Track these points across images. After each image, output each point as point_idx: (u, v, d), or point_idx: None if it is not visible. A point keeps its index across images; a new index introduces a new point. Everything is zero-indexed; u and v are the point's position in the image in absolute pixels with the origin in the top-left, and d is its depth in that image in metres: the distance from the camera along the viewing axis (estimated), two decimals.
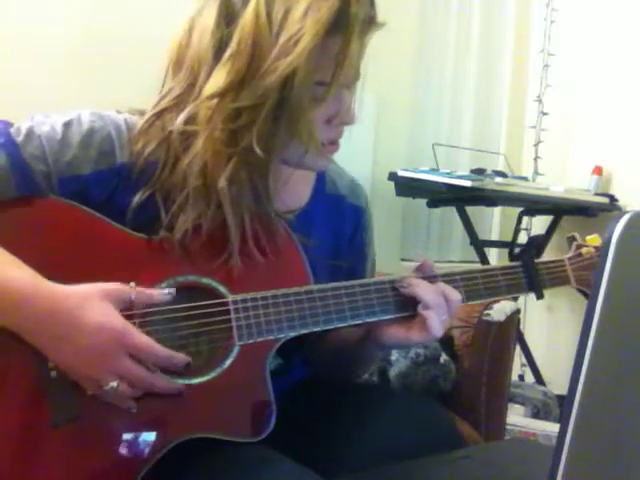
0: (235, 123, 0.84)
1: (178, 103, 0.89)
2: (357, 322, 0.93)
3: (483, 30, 2.97)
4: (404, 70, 2.72)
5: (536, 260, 1.06)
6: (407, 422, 0.95)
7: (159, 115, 0.90)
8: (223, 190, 0.87)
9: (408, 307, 0.95)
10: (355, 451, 0.92)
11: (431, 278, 0.97)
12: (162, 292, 0.85)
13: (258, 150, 0.84)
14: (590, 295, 0.54)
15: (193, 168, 0.87)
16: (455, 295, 0.95)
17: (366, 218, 1.13)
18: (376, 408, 0.97)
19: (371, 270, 1.16)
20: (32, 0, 1.91)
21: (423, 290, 0.93)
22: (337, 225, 1.09)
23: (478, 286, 1.00)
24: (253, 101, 0.82)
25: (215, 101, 0.84)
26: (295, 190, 1.04)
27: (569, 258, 1.08)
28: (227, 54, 0.83)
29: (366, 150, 2.61)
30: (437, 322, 0.92)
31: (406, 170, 2.50)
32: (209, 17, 0.86)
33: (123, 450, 0.83)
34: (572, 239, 1.11)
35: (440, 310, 0.93)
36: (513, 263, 1.04)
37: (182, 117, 0.87)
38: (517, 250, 2.62)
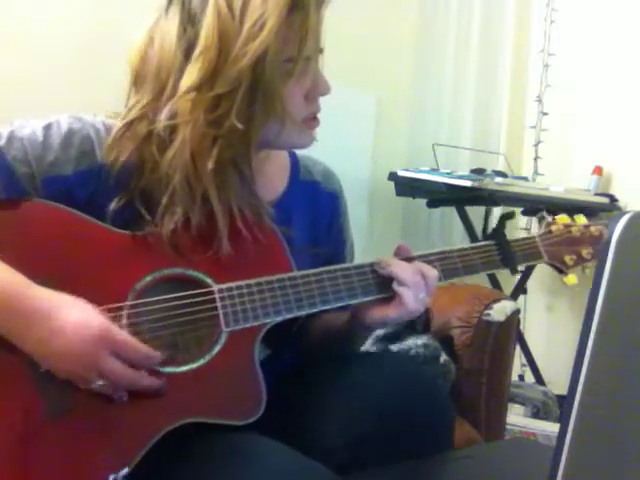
0: (215, 112, 0.88)
1: (147, 112, 0.93)
2: (339, 304, 0.96)
3: (483, 30, 2.97)
4: (404, 70, 2.72)
5: (508, 238, 1.10)
6: (389, 383, 0.96)
7: (129, 126, 0.93)
8: (210, 175, 0.90)
9: (388, 288, 0.98)
10: (337, 420, 0.93)
11: (408, 259, 1.00)
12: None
13: (240, 125, 0.88)
14: (590, 295, 0.54)
15: (177, 162, 0.90)
16: (432, 272, 0.99)
17: (341, 203, 1.18)
18: (356, 374, 0.98)
19: (350, 254, 1.19)
20: (32, 0, 1.91)
21: (399, 269, 0.97)
22: (314, 211, 1.13)
23: (456, 265, 1.04)
24: (229, 87, 0.87)
25: (193, 94, 0.88)
26: (270, 181, 1.07)
27: (539, 235, 1.13)
28: (197, 51, 0.88)
29: (366, 150, 2.61)
30: (412, 298, 0.96)
31: (406, 170, 2.50)
32: (171, 25, 0.92)
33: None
34: (542, 218, 1.16)
35: (418, 287, 0.96)
36: (487, 242, 1.08)
37: (164, 114, 0.90)
38: None
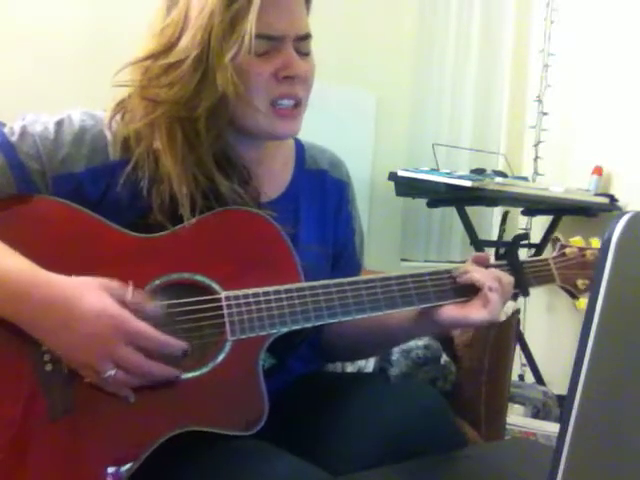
0: (161, 79, 0.89)
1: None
2: (347, 318, 0.94)
3: (483, 30, 2.97)
4: (404, 70, 2.73)
5: (521, 259, 1.07)
6: (408, 416, 0.95)
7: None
8: (160, 138, 0.91)
9: (393, 304, 0.96)
10: (353, 447, 0.92)
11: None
12: (153, 304, 0.86)
13: (185, 93, 0.88)
14: (590, 295, 0.54)
15: (136, 130, 0.91)
16: (508, 278, 0.98)
17: (349, 191, 1.16)
18: (375, 402, 0.97)
19: (360, 244, 1.17)
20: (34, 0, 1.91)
21: (480, 275, 0.97)
22: (322, 200, 1.11)
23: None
24: (180, 56, 0.88)
25: (148, 62, 0.90)
26: (275, 173, 1.06)
27: (553, 258, 1.10)
28: (164, 23, 0.90)
29: (366, 150, 2.61)
30: (499, 302, 0.96)
31: (406, 170, 2.50)
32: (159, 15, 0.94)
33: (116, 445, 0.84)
34: (556, 240, 1.14)
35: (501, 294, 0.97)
36: (499, 262, 1.05)
37: (115, 86, 0.92)
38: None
